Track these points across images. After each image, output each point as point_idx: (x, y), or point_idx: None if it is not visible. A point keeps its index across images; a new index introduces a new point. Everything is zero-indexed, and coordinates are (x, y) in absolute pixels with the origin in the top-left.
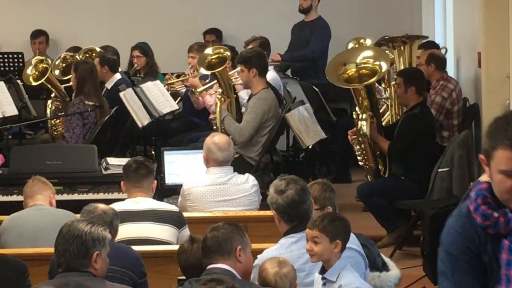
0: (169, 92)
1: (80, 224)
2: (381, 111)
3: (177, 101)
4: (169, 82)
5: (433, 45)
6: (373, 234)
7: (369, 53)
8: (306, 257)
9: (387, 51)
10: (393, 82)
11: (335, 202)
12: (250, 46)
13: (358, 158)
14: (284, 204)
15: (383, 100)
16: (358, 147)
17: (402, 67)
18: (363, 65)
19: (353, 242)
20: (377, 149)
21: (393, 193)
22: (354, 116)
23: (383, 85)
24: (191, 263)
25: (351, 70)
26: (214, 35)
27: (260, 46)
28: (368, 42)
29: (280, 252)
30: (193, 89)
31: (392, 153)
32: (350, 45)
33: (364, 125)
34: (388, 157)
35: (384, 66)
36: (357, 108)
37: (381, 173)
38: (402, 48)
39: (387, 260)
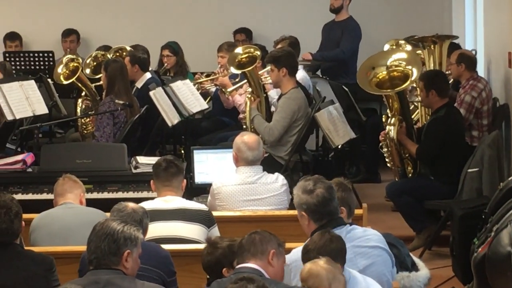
0: (199, 91)
1: (113, 222)
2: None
3: (207, 100)
4: (199, 81)
5: (457, 47)
6: (403, 234)
7: (402, 55)
8: None
9: (418, 51)
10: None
11: (351, 201)
12: (279, 46)
13: (386, 160)
14: (316, 202)
15: (415, 102)
16: (386, 149)
17: (432, 67)
18: (394, 68)
19: (380, 241)
20: (405, 152)
21: (423, 193)
22: (384, 120)
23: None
24: (213, 263)
25: (382, 73)
26: (244, 34)
27: (289, 45)
28: (408, 47)
29: None
30: (223, 88)
31: (420, 156)
32: (387, 46)
33: (391, 130)
34: (416, 160)
35: (415, 72)
36: (388, 111)
37: (409, 174)
38: (432, 47)
39: (416, 260)
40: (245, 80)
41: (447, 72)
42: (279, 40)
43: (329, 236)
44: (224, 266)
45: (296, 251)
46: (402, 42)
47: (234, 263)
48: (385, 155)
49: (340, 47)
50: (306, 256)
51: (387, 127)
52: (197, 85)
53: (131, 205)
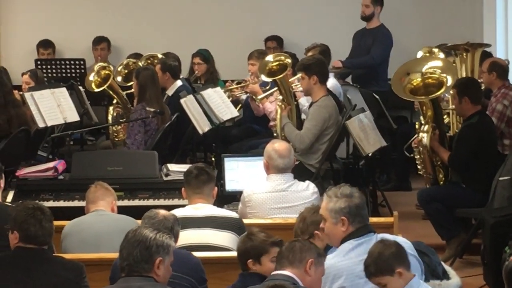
0: (230, 99)
1: (146, 230)
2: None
3: (237, 108)
4: (230, 88)
5: (489, 55)
6: (434, 242)
7: (437, 63)
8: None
9: (450, 59)
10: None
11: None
12: (310, 53)
13: (418, 167)
14: (358, 203)
15: (447, 110)
16: (418, 156)
17: (464, 75)
18: (429, 75)
19: (410, 248)
20: (437, 159)
21: (454, 201)
22: (417, 127)
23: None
24: (240, 249)
25: (416, 80)
26: (275, 42)
27: (320, 53)
28: (441, 55)
29: (338, 259)
30: (254, 96)
31: (453, 164)
32: (420, 54)
33: (424, 137)
34: (449, 168)
35: (450, 79)
36: (421, 117)
37: (441, 182)
38: (464, 55)
39: (447, 268)
40: (276, 88)
41: (479, 80)
42: (310, 47)
43: (381, 244)
44: (250, 257)
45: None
46: (435, 50)
47: (262, 259)
48: (417, 162)
49: (371, 53)
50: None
51: (420, 134)
52: (227, 92)
53: (162, 212)
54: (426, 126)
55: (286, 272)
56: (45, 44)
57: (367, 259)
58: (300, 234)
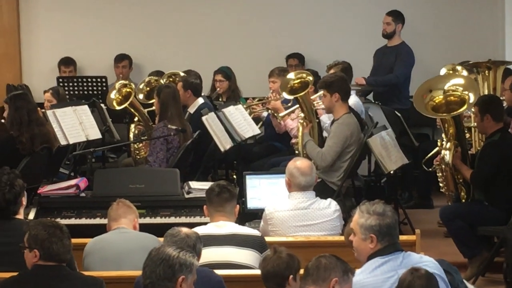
0: (251, 116)
1: (169, 248)
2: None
3: (258, 125)
4: (251, 104)
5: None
6: (456, 260)
7: (459, 81)
8: (391, 281)
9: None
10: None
11: None
12: (332, 71)
13: (440, 184)
14: (390, 223)
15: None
16: (440, 174)
17: (486, 92)
18: (451, 92)
19: (436, 268)
20: (459, 177)
21: (476, 218)
22: (439, 144)
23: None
24: (268, 271)
25: (438, 97)
26: (297, 59)
27: (342, 71)
28: (464, 73)
29: (364, 276)
30: (275, 113)
31: (475, 181)
32: (444, 71)
33: (447, 155)
34: (471, 185)
35: (472, 97)
36: (443, 135)
37: (463, 200)
38: (486, 73)
39: (470, 286)
40: (297, 105)
41: (501, 98)
42: (332, 65)
43: (411, 275)
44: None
45: None
46: (459, 67)
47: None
48: (439, 179)
49: (394, 72)
50: None
51: (443, 151)
52: (249, 109)
53: (185, 230)
54: (449, 144)
55: None
56: (67, 62)
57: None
58: None
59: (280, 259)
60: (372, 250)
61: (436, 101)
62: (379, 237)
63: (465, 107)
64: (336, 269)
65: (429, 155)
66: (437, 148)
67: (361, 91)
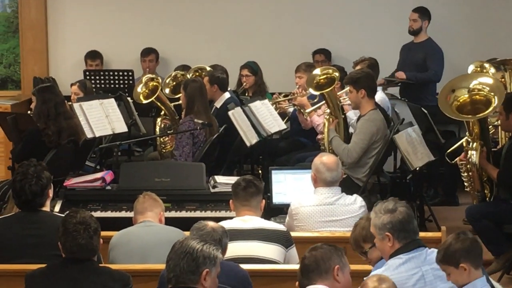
0: (277, 111)
1: (193, 241)
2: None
3: (284, 121)
4: (277, 100)
5: None
6: None
7: (487, 80)
8: (415, 278)
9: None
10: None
11: None
12: (358, 67)
13: (465, 184)
14: (401, 219)
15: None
16: (465, 174)
17: None
18: (477, 91)
19: None
20: (484, 176)
21: (503, 217)
22: (464, 144)
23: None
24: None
25: (463, 96)
26: (323, 55)
27: (368, 67)
28: (492, 70)
29: (388, 273)
30: (301, 109)
31: (502, 180)
32: (472, 67)
33: (474, 155)
34: (497, 184)
35: (497, 100)
36: (467, 134)
37: (487, 198)
38: None
39: (495, 284)
40: (323, 101)
41: None
42: (359, 61)
43: (456, 236)
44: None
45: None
46: (486, 65)
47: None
48: (464, 179)
49: (432, 69)
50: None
51: (469, 151)
52: (275, 105)
53: (211, 224)
54: (475, 144)
55: (319, 286)
56: (93, 55)
57: (441, 245)
58: (362, 242)
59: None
60: (393, 249)
61: (461, 100)
62: (395, 235)
63: (490, 109)
64: (334, 256)
65: (453, 147)
66: (462, 141)
67: (386, 88)
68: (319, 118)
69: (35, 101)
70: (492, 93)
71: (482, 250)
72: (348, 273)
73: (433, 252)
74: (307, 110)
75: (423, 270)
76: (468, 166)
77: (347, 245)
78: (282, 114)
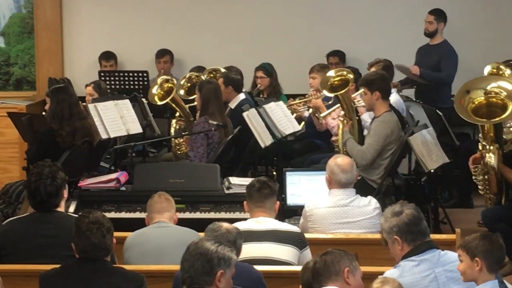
0: (293, 115)
1: (207, 242)
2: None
3: (301, 125)
4: (292, 103)
5: None
6: None
7: (505, 85)
8: (428, 280)
9: None
10: None
11: None
12: (373, 69)
13: (479, 187)
14: (407, 221)
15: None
16: (481, 177)
17: None
18: (494, 94)
19: None
20: (499, 178)
21: None
22: (480, 147)
23: None
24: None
25: (478, 98)
26: (338, 57)
27: (383, 68)
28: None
29: (400, 275)
30: (316, 114)
31: None
32: (488, 68)
33: (492, 158)
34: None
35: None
36: (480, 135)
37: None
38: None
39: (510, 287)
40: (338, 105)
41: None
42: (373, 63)
43: (485, 235)
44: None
45: (388, 274)
46: (502, 66)
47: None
48: (478, 182)
49: (446, 71)
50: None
51: (487, 155)
52: (290, 109)
53: (226, 225)
54: (492, 147)
55: (331, 287)
56: (107, 56)
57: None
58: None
59: None
60: (403, 252)
61: (476, 102)
62: (402, 238)
63: (506, 114)
64: (343, 259)
65: None
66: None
67: (401, 90)
68: (334, 120)
69: (49, 102)
70: (509, 99)
71: (503, 259)
72: (359, 277)
73: (446, 254)
74: (322, 115)
75: (436, 271)
76: (485, 169)
77: (361, 247)
78: (299, 119)
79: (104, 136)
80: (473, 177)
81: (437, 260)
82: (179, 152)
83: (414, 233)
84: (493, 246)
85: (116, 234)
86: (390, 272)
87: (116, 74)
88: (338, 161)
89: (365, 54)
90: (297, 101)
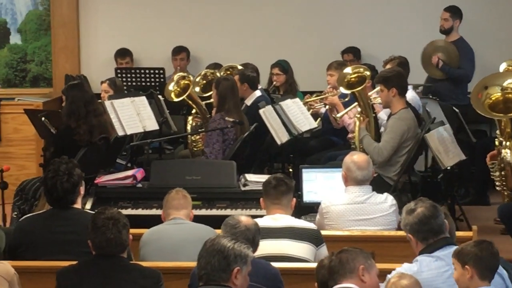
0: (309, 112)
1: (224, 239)
2: None
3: (317, 121)
4: (309, 100)
5: None
6: None
7: None
8: (444, 276)
9: None
10: None
11: None
12: (388, 66)
13: (496, 183)
14: (417, 220)
15: None
16: (498, 173)
17: None
18: (510, 90)
19: None
20: None
21: None
22: (497, 143)
23: None
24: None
25: (495, 94)
26: (352, 54)
27: (399, 65)
28: None
29: (419, 270)
30: (333, 114)
31: None
32: (504, 65)
33: (508, 153)
34: None
35: None
36: (497, 132)
37: None
38: None
39: None
40: (355, 104)
41: None
42: (388, 60)
43: (481, 242)
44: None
45: (405, 269)
46: None
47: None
48: (495, 178)
49: (465, 68)
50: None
51: (503, 150)
52: (307, 105)
53: (244, 221)
54: (508, 143)
55: (346, 284)
56: (122, 53)
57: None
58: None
59: None
60: (418, 249)
61: (493, 98)
62: (415, 235)
63: None
64: (359, 257)
65: None
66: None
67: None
68: (350, 117)
69: (65, 99)
70: None
71: (496, 266)
72: (375, 275)
73: None
74: (338, 115)
75: (453, 268)
76: (501, 165)
77: (377, 244)
78: (315, 115)
79: (120, 133)
80: (491, 173)
81: None
82: (195, 149)
83: (425, 232)
84: (483, 253)
85: (132, 231)
86: (408, 267)
87: (133, 71)
88: (355, 158)
89: (381, 51)
90: (313, 98)
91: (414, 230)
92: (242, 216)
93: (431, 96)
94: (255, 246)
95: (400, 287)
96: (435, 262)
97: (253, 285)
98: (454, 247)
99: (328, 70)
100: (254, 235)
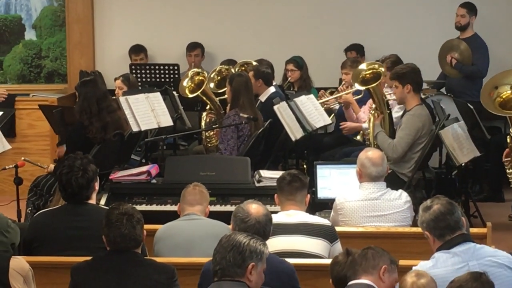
0: (323, 108)
1: (240, 235)
2: None
3: (330, 117)
4: (323, 100)
5: None
6: None
7: None
8: (460, 272)
9: None
10: None
11: None
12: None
13: (511, 180)
14: (433, 217)
15: None
16: (511, 170)
17: None
18: None
19: (509, 261)
20: None
21: None
22: (508, 140)
23: None
24: (344, 275)
25: (506, 92)
26: (355, 51)
27: (392, 64)
28: None
29: (433, 267)
30: (352, 110)
31: None
32: None
33: None
34: None
35: None
36: (510, 130)
37: None
38: None
39: None
40: (371, 101)
41: None
42: (381, 61)
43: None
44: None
45: (422, 266)
46: None
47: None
48: (509, 175)
49: (479, 65)
50: None
51: None
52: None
53: (254, 214)
54: None
55: (363, 280)
56: (137, 50)
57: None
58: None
59: None
60: (436, 246)
61: (504, 97)
62: (431, 233)
63: None
64: (384, 257)
65: None
66: None
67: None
68: (365, 114)
69: (78, 96)
70: None
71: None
72: (394, 281)
73: (482, 248)
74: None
75: (470, 264)
76: None
77: (391, 240)
78: (328, 111)
79: (135, 129)
80: (507, 171)
81: (472, 254)
82: (209, 145)
83: (441, 228)
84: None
85: (146, 226)
86: (424, 263)
87: (147, 67)
88: (369, 154)
89: (389, 48)
90: (327, 97)
91: (431, 227)
92: (253, 204)
93: (445, 93)
94: (265, 238)
95: (421, 286)
96: (452, 259)
97: (267, 282)
98: (472, 244)
99: (343, 69)
100: (265, 228)
